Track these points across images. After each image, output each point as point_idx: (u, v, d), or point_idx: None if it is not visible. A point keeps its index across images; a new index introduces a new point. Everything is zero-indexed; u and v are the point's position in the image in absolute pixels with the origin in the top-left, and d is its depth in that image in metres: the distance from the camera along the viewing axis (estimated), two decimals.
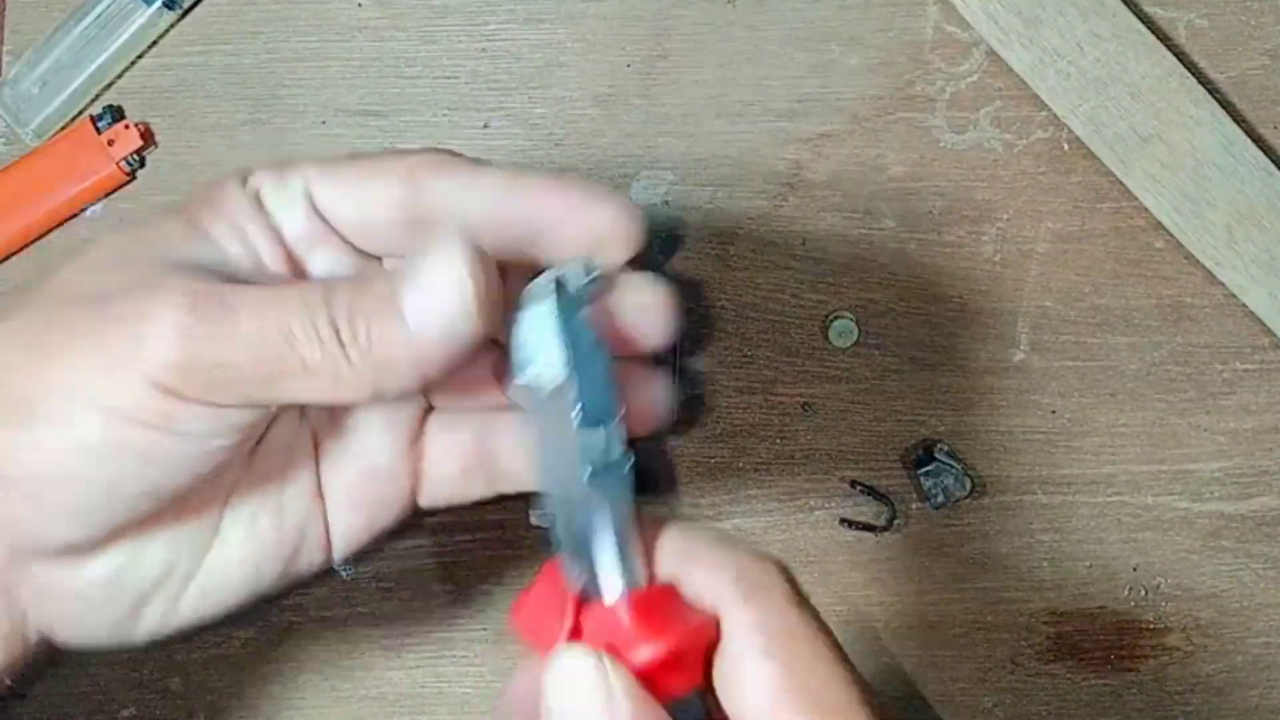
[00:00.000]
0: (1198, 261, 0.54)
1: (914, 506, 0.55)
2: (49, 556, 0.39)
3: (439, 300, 0.38)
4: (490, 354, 0.43)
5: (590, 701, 0.35)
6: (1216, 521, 0.55)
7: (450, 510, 0.51)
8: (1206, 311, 0.55)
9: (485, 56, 0.56)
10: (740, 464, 0.55)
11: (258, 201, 0.41)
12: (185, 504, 0.40)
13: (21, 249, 0.55)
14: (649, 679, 0.36)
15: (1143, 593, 0.55)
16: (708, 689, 0.37)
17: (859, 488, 0.54)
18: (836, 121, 0.55)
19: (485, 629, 0.55)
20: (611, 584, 0.37)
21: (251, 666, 0.55)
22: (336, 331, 0.37)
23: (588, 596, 0.38)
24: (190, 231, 0.40)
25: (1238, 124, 0.54)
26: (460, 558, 0.55)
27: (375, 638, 0.55)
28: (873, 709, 0.35)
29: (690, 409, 0.54)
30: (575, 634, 0.37)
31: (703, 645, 0.37)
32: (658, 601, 0.37)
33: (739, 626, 0.36)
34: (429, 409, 0.45)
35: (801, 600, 0.37)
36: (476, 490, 0.45)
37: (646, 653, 0.36)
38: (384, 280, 0.38)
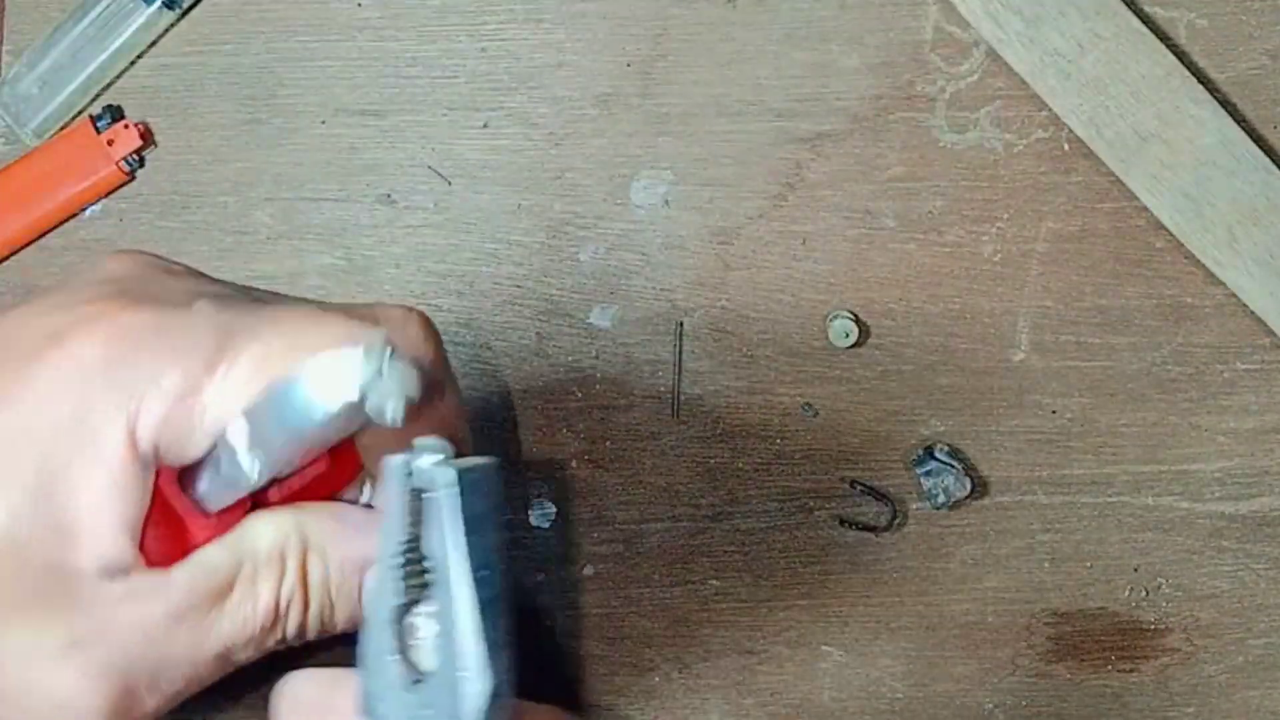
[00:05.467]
0: (1198, 261, 0.54)
1: (914, 506, 0.55)
2: None
3: None
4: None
5: None
6: (1217, 522, 0.55)
7: None
8: (1207, 311, 0.55)
9: (485, 56, 0.56)
10: (740, 464, 0.55)
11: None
12: None
13: (21, 248, 0.55)
14: None
15: (1143, 593, 0.55)
16: None
17: (859, 488, 0.54)
18: (836, 121, 0.55)
19: None
20: None
21: (251, 666, 0.54)
22: (282, 643, 0.38)
23: None
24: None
25: (1238, 123, 0.54)
26: None
27: None
28: None
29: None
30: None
31: None
32: None
33: None
34: None
35: None
36: None
37: None
38: (345, 596, 0.38)
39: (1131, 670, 0.54)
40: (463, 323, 0.55)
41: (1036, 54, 0.54)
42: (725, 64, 0.55)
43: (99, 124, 0.54)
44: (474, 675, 0.33)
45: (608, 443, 0.55)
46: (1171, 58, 0.53)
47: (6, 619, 0.35)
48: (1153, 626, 0.55)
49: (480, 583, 0.34)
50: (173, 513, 0.37)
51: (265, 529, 0.37)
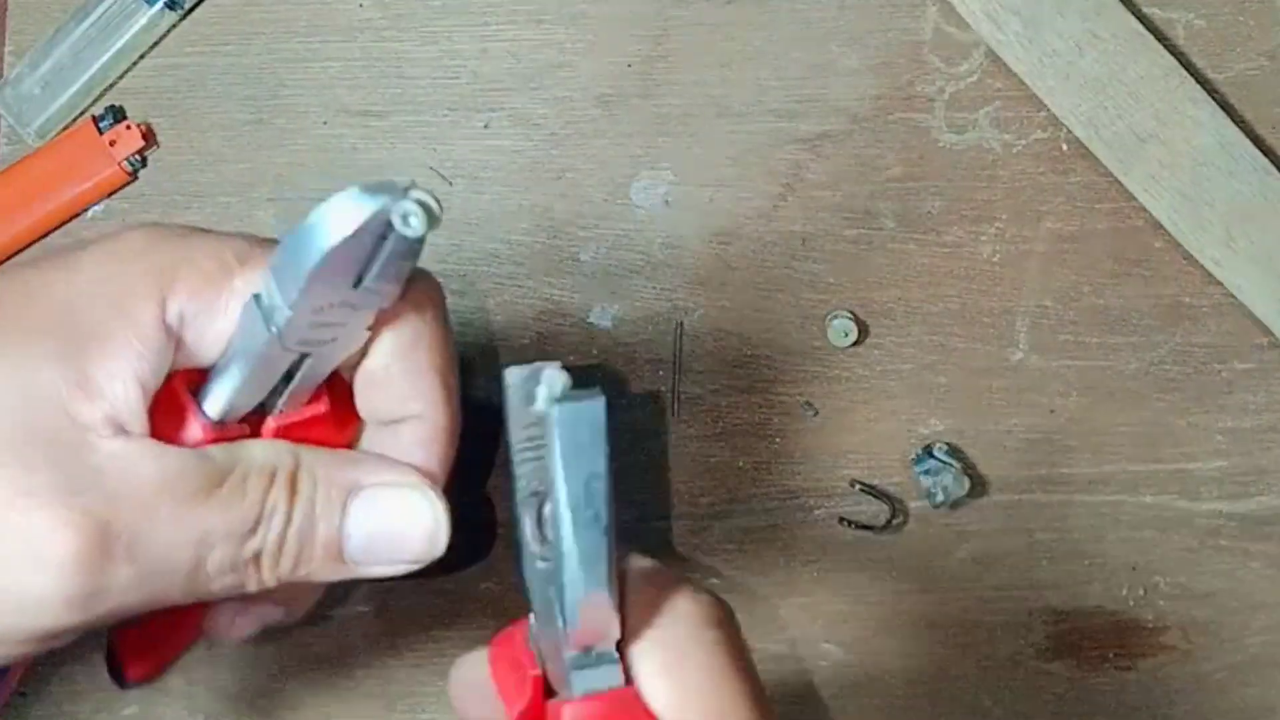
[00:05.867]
0: (1196, 261, 0.54)
1: (914, 506, 0.55)
2: None
3: (396, 550, 0.40)
4: None
5: None
6: (1215, 521, 0.55)
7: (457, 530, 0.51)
8: (1205, 311, 0.55)
9: (486, 57, 0.56)
10: (740, 464, 0.55)
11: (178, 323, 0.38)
12: None
13: (24, 249, 0.55)
14: None
15: (1141, 591, 0.55)
16: None
17: (859, 487, 0.54)
18: (836, 121, 0.55)
19: (485, 629, 0.55)
20: (571, 682, 0.35)
21: (254, 665, 0.55)
22: (258, 561, 0.38)
23: (550, 685, 0.36)
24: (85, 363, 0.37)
25: (1236, 124, 0.54)
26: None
27: (375, 638, 0.55)
28: None
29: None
30: (530, 715, 0.36)
31: None
32: (615, 707, 0.35)
33: (639, 648, 0.36)
34: None
35: (714, 623, 0.37)
36: None
37: None
38: (328, 515, 0.39)
39: (1129, 668, 0.55)
40: (463, 323, 0.55)
41: (1035, 55, 0.54)
42: (725, 64, 0.55)
43: (101, 124, 0.54)
44: (572, 581, 0.34)
45: None
46: (1170, 58, 0.54)
47: (8, 453, 0.36)
48: (1151, 625, 0.55)
49: (580, 501, 0.35)
50: (180, 411, 0.38)
51: (262, 445, 0.39)
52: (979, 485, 0.55)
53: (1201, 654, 0.55)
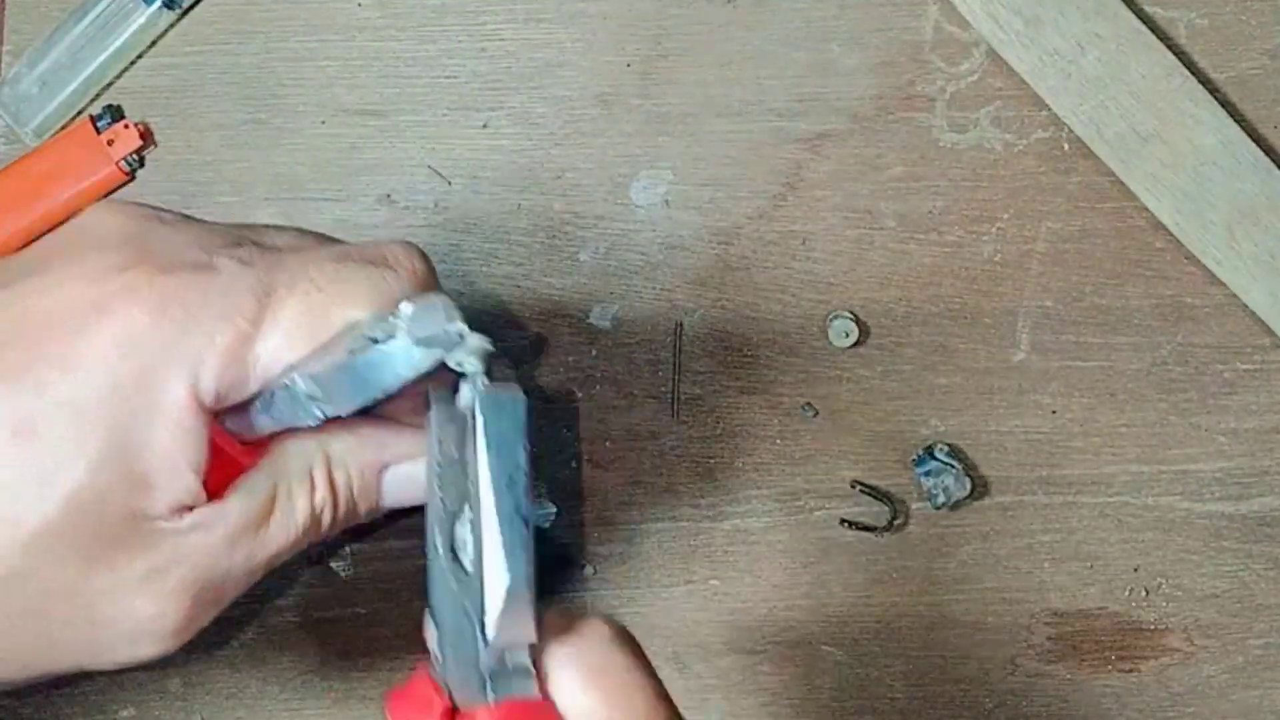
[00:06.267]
0: (1198, 261, 0.54)
1: (914, 506, 0.55)
2: None
3: (411, 502, 0.44)
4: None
5: None
6: (1217, 522, 0.55)
7: None
8: (1207, 311, 0.55)
9: (485, 56, 0.56)
10: (740, 464, 0.55)
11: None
12: None
13: (21, 248, 0.55)
14: None
15: (1143, 593, 0.55)
16: None
17: (859, 488, 0.54)
18: (836, 121, 0.55)
19: None
20: (489, 690, 0.37)
21: (251, 666, 0.55)
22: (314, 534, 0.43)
23: (458, 707, 0.37)
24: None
25: (1238, 123, 0.54)
26: None
27: (375, 638, 0.55)
28: None
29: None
30: None
31: None
32: (533, 714, 0.36)
33: (557, 660, 0.37)
34: None
35: (625, 641, 0.38)
36: None
37: None
38: (366, 495, 0.44)
39: (1131, 670, 0.54)
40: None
41: (1036, 54, 0.54)
42: (725, 64, 0.55)
43: (99, 124, 0.54)
44: (494, 575, 0.37)
45: (607, 443, 0.55)
46: (1171, 58, 0.53)
47: (91, 564, 0.39)
48: (1152, 626, 0.55)
49: (504, 492, 0.37)
50: (219, 448, 0.41)
51: (294, 451, 0.42)
52: (980, 486, 0.54)
53: (1204, 656, 0.55)
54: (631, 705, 0.37)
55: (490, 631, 0.37)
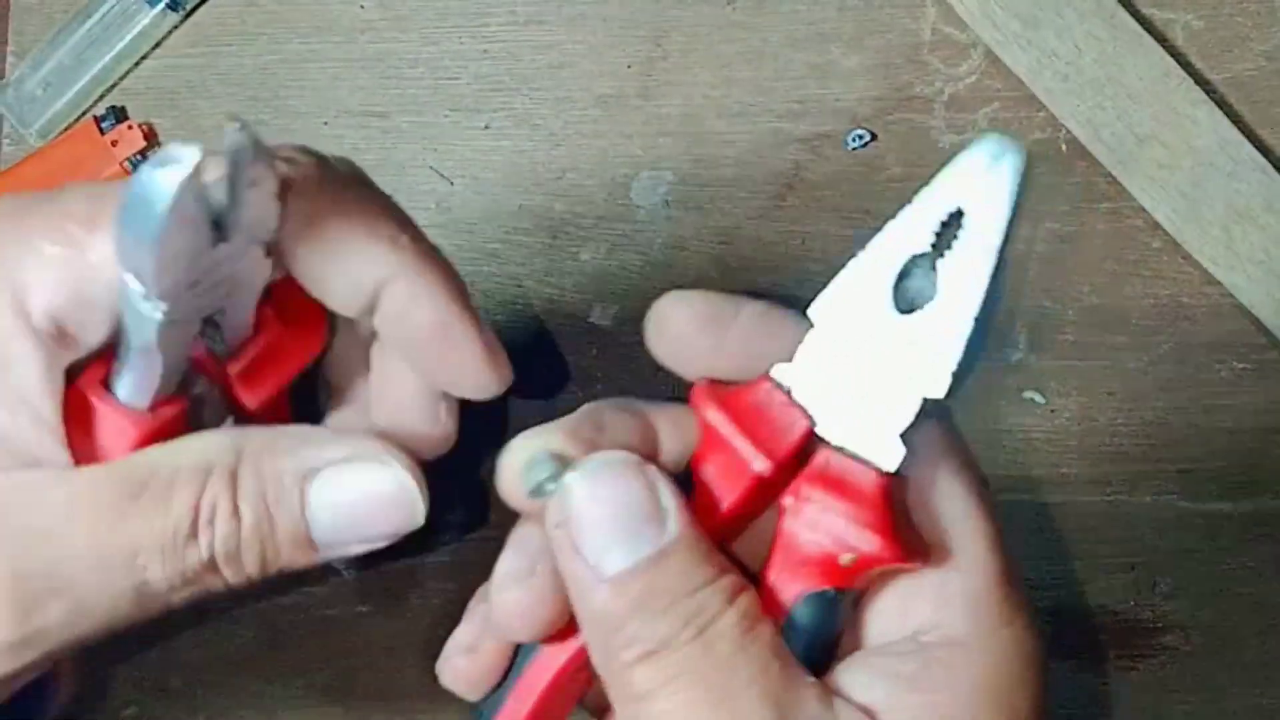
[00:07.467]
0: (1195, 261, 0.54)
1: None
2: None
3: (369, 526, 0.37)
4: None
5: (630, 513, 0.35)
6: (1215, 521, 0.55)
7: (453, 511, 0.51)
8: (1204, 311, 0.55)
9: (487, 58, 0.56)
10: None
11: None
12: None
13: None
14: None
15: (1141, 592, 0.55)
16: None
17: None
18: (836, 121, 0.55)
19: None
20: None
21: (251, 666, 0.55)
22: (215, 567, 0.35)
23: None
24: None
25: (1235, 124, 0.54)
26: (460, 558, 0.55)
27: (375, 638, 0.55)
28: None
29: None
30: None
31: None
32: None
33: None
34: None
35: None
36: None
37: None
38: (285, 505, 0.36)
39: (1130, 668, 0.55)
40: None
41: (1034, 55, 0.54)
42: (725, 65, 0.56)
43: (103, 125, 0.55)
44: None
45: None
46: (1169, 59, 0.54)
47: None
48: (1151, 625, 0.55)
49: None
50: (106, 416, 0.36)
51: (195, 443, 0.36)
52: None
53: (1202, 655, 0.55)
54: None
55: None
